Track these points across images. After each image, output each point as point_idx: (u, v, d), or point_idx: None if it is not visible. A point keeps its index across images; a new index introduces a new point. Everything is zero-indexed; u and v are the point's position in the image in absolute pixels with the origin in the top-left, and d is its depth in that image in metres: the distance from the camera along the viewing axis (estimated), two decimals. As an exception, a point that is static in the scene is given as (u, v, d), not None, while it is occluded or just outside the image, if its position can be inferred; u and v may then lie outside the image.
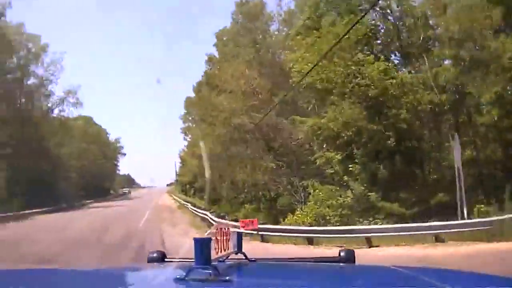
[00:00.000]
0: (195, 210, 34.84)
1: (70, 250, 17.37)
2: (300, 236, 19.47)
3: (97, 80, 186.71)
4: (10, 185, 45.11)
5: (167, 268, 2.57)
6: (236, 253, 2.66)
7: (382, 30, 27.78)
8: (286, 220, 24.93)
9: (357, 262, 3.01)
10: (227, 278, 2.04)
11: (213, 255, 2.08)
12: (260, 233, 19.52)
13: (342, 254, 2.98)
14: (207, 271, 1.99)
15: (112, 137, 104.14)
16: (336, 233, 18.27)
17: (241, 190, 37.16)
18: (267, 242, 19.81)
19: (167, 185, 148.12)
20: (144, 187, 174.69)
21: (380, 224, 19.33)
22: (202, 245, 2.01)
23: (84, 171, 73.80)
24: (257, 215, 32.14)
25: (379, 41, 27.52)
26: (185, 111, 64.12)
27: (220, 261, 2.35)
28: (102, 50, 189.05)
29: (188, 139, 67.06)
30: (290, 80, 27.45)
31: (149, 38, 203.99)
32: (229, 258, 2.58)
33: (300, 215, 24.16)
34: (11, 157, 47.49)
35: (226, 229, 2.44)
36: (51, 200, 48.34)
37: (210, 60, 45.49)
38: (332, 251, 3.47)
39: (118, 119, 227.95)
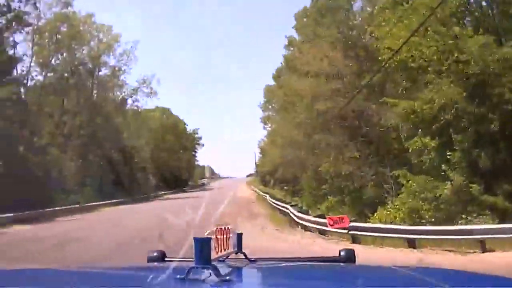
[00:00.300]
0: (274, 203, 32.67)
1: (114, 253, 15.27)
2: (398, 237, 16.00)
3: (173, 70, 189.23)
4: (82, 176, 45.20)
5: (167, 268, 2.25)
6: (236, 253, 2.59)
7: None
8: (375, 215, 22.54)
9: (357, 262, 3.03)
10: (227, 278, 2.02)
11: (213, 255, 2.03)
12: (350, 232, 16.24)
13: (342, 253, 2.99)
14: (207, 271, 1.96)
15: (190, 128, 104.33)
16: (441, 234, 14.94)
17: (323, 181, 34.82)
18: (359, 243, 16.40)
19: (247, 175, 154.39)
20: (223, 178, 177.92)
21: (490, 222, 16.43)
22: (202, 245, 1.96)
23: (161, 162, 74.15)
24: (341, 208, 30.34)
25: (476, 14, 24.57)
26: (265, 100, 62.54)
27: (220, 260, 2.32)
28: (176, 38, 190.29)
29: (268, 128, 65.71)
30: (379, 58, 25.17)
31: (227, 24, 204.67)
32: (229, 257, 2.52)
33: (391, 209, 21.83)
34: (83, 148, 48.02)
35: (226, 228, 2.37)
36: (124, 192, 48.20)
37: (290, 43, 43.49)
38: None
39: (197, 110, 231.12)
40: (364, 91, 27.61)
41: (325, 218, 17.51)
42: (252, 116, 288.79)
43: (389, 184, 25.82)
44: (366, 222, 20.53)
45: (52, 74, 49.45)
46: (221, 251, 2.25)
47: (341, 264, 2.96)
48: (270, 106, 61.03)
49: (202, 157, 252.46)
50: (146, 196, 52.80)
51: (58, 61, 50.51)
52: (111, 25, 56.32)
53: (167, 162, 78.17)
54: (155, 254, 3.06)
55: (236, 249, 2.60)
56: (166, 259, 3.02)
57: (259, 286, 2.44)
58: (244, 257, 2.72)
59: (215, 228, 2.25)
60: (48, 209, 31.93)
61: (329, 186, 33.89)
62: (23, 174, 33.28)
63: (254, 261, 2.83)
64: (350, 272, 2.86)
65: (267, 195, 40.37)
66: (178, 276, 2.04)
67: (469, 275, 2.83)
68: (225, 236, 2.34)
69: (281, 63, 50.57)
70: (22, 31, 42.29)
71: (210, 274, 1.97)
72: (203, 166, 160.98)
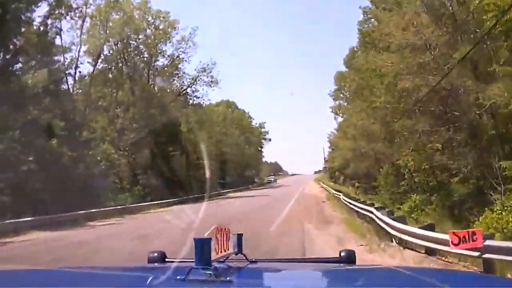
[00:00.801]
0: (350, 203, 27.01)
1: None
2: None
3: (235, 61, 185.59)
4: (132, 174, 41.98)
5: (167, 269, 2.44)
6: (236, 254, 2.57)
7: None
8: (480, 220, 17.38)
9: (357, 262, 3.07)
10: (227, 278, 2.08)
11: (213, 255, 2.07)
12: (485, 256, 8.96)
13: (342, 254, 3.02)
14: (207, 271, 2.00)
15: (256, 122, 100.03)
16: None
17: (401, 176, 30.74)
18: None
19: (315, 172, 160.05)
20: (291, 175, 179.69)
21: None
22: (202, 246, 2.01)
23: (224, 158, 70.04)
24: (427, 208, 25.95)
25: None
26: (336, 87, 57.73)
27: (220, 261, 2.34)
28: (237, 24, 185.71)
29: (340, 119, 61.03)
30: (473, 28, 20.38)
31: (292, 9, 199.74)
32: (229, 258, 2.51)
33: (502, 212, 16.82)
34: (137, 143, 44.63)
35: (226, 229, 2.36)
36: (180, 191, 44.30)
37: (366, 14, 38.34)
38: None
39: (262, 105, 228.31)
40: (458, 66, 22.45)
41: (434, 230, 12.20)
42: (321, 110, 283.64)
43: (494, 179, 20.68)
44: (467, 228, 15.02)
45: (103, 64, 46.36)
46: (221, 252, 2.23)
47: (341, 264, 2.97)
48: (341, 95, 56.20)
49: (270, 154, 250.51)
50: (204, 195, 48.78)
51: (111, 52, 47.53)
52: (168, 11, 52.64)
53: (231, 158, 74.39)
54: (155, 254, 3.04)
55: (236, 250, 2.54)
56: (166, 259, 3.01)
57: (259, 286, 2.41)
58: (244, 258, 2.68)
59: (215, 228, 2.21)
60: (82, 211, 28.05)
61: (408, 181, 29.61)
62: (60, 172, 30.05)
63: (254, 262, 2.80)
64: (350, 272, 2.84)
65: (340, 194, 35.27)
66: (178, 277, 2.03)
67: (469, 275, 3.10)
68: (225, 237, 2.31)
69: (353, 47, 46.40)
70: (68, 17, 38.91)
71: (210, 275, 1.99)
72: (271, 163, 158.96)
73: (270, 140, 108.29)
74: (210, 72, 54.50)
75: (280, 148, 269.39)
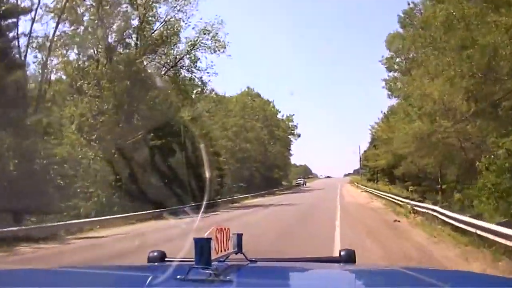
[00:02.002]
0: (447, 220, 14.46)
1: None
2: None
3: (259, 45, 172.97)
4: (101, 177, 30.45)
5: (167, 268, 2.31)
6: (236, 253, 2.61)
7: None
8: None
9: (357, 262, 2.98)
10: (227, 278, 2.08)
11: (213, 255, 2.07)
12: None
13: (342, 253, 3.02)
14: (207, 271, 2.00)
15: (282, 114, 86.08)
16: None
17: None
18: None
19: (344, 175, 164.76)
20: (320, 177, 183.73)
21: None
22: (202, 246, 2.01)
23: (244, 156, 57.63)
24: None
25: None
26: (390, 54, 44.11)
27: (220, 261, 2.36)
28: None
29: (393, 100, 49.29)
30: None
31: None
32: (229, 258, 2.53)
33: None
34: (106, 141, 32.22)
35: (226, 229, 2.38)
36: (176, 198, 31.08)
37: None
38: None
39: (292, 102, 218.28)
40: None
41: None
42: (352, 110, 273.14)
43: None
44: None
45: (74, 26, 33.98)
46: (221, 251, 2.25)
47: (341, 264, 2.99)
48: (395, 65, 42.49)
49: (298, 157, 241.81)
50: (212, 202, 35.89)
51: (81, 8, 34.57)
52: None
53: (252, 156, 61.94)
54: (155, 254, 3.03)
55: (236, 249, 2.57)
56: (166, 259, 3.00)
57: (259, 286, 2.33)
58: (244, 257, 2.69)
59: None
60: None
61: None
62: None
63: (254, 261, 2.81)
64: (350, 272, 2.88)
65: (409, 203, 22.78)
66: (178, 277, 2.04)
67: (469, 275, 2.97)
68: (225, 236, 2.33)
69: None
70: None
71: (210, 274, 1.99)
72: (300, 166, 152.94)
73: (299, 135, 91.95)
74: (216, 35, 39.04)
75: (309, 151, 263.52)
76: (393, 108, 49.52)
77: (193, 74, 39.28)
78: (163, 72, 38.23)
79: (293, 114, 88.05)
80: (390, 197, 35.11)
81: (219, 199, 41.58)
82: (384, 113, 60.26)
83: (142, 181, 29.84)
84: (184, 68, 39.33)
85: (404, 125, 33.37)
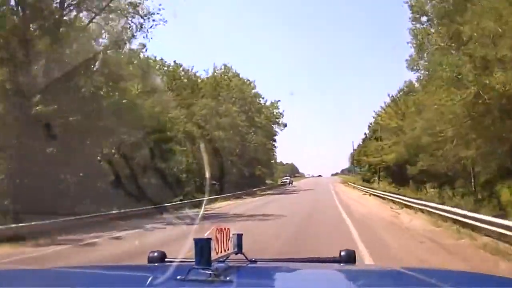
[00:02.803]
0: None
1: None
2: None
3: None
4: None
5: (167, 269, 2.31)
6: (236, 254, 2.58)
7: None
8: None
9: (357, 262, 2.97)
10: (227, 278, 2.08)
11: (213, 255, 2.06)
12: None
13: (342, 253, 2.98)
14: (207, 271, 2.01)
15: (265, 100, 74.97)
16: None
17: None
18: None
19: (332, 174, 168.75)
20: (308, 177, 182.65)
21: None
22: (202, 246, 2.01)
23: (216, 146, 48.55)
24: None
25: None
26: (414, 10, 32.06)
27: (220, 261, 2.32)
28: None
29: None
30: None
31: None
32: (229, 258, 2.48)
33: None
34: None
35: (226, 229, 2.35)
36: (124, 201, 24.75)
37: None
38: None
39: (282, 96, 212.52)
40: None
41: None
42: (340, 112, 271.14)
43: None
44: None
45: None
46: (221, 252, 2.23)
47: (341, 264, 2.93)
48: (423, 24, 30.96)
49: (286, 155, 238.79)
50: (160, 209, 25.85)
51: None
52: None
53: (227, 146, 52.80)
54: (155, 254, 2.98)
55: (236, 249, 2.54)
56: (166, 259, 2.95)
57: (259, 286, 2.37)
58: (244, 258, 2.68)
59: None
60: None
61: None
62: None
63: (254, 261, 2.81)
64: (350, 272, 2.85)
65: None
66: (178, 277, 2.05)
67: (469, 275, 2.97)
68: (225, 236, 2.31)
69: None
70: None
71: (210, 275, 1.99)
72: (287, 164, 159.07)
73: (286, 125, 77.32)
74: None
75: (295, 150, 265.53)
76: (419, 80, 35.91)
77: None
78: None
79: (279, 100, 75.71)
80: (430, 206, 21.38)
81: (179, 201, 31.84)
82: (392, 96, 49.83)
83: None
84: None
85: (446, 95, 21.91)
